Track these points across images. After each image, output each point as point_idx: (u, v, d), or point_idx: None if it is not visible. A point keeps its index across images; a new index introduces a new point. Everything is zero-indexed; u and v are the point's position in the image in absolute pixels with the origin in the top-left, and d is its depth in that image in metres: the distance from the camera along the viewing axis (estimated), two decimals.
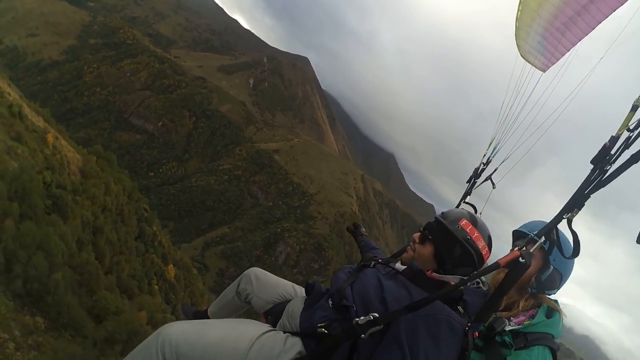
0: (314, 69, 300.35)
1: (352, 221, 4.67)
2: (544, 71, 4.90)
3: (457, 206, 4.33)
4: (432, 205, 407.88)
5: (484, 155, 4.76)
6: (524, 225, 3.08)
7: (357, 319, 2.33)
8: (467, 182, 4.71)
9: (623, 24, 3.84)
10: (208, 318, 3.63)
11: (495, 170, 4.62)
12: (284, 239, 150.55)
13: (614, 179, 2.18)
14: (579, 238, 2.36)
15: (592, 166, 2.31)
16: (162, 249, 57.04)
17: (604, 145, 2.29)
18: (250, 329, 2.64)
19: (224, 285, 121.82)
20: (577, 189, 2.30)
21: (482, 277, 2.65)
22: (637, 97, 2.49)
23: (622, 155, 2.24)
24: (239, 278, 3.47)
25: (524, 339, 2.67)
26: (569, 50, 4.70)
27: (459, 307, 2.42)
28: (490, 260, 2.59)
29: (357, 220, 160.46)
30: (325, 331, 2.49)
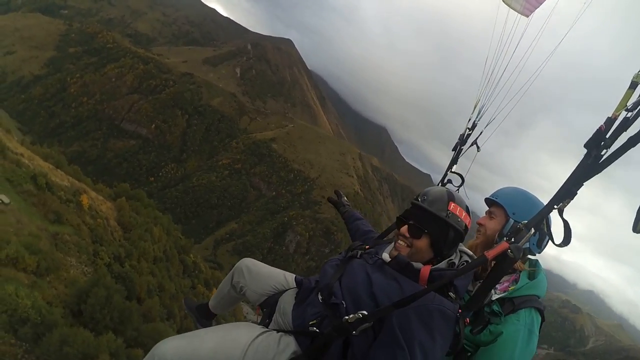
0: (298, 50, 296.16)
1: (335, 191, 4.39)
2: (527, 16, 4.77)
3: (444, 176, 4.28)
4: (429, 174, 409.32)
5: (469, 119, 4.62)
6: (499, 193, 3.14)
7: (347, 317, 2.33)
8: (452, 150, 4.59)
9: None
10: (210, 311, 3.77)
11: (481, 133, 4.47)
12: (292, 227, 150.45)
13: (609, 164, 2.07)
14: (570, 226, 2.27)
15: (585, 150, 2.15)
16: (203, 275, 57.59)
17: (599, 128, 2.12)
18: (243, 335, 2.64)
19: None
20: (568, 176, 2.20)
21: (468, 252, 2.66)
22: (636, 72, 2.23)
23: (620, 137, 2.06)
24: (232, 271, 3.43)
25: (511, 304, 2.76)
26: None
27: (450, 293, 2.40)
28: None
29: (360, 199, 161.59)
30: (317, 329, 2.52)
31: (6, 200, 29.21)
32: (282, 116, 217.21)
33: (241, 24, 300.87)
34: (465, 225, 2.59)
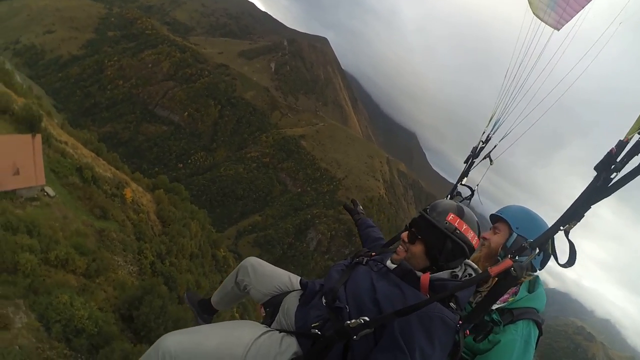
0: (333, 49, 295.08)
1: (352, 200, 4.38)
2: (558, 29, 4.74)
3: (454, 188, 4.34)
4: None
5: (483, 132, 4.58)
6: (504, 211, 3.30)
7: (348, 322, 2.38)
8: (464, 163, 4.57)
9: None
10: (211, 307, 3.83)
11: (495, 147, 4.48)
12: (315, 225, 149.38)
13: (618, 188, 2.04)
14: (575, 248, 2.29)
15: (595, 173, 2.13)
16: (231, 270, 58.19)
17: (610, 151, 2.09)
18: (246, 333, 2.68)
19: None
20: (577, 197, 2.19)
21: (473, 265, 2.69)
22: None
23: (631, 162, 2.04)
24: (236, 268, 3.48)
25: (510, 315, 2.89)
26: (583, 7, 4.53)
27: (451, 304, 2.45)
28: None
29: (384, 204, 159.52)
30: (318, 332, 2.55)
31: (52, 193, 28.76)
32: (313, 114, 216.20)
33: (279, 19, 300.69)
34: (469, 240, 2.57)
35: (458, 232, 2.55)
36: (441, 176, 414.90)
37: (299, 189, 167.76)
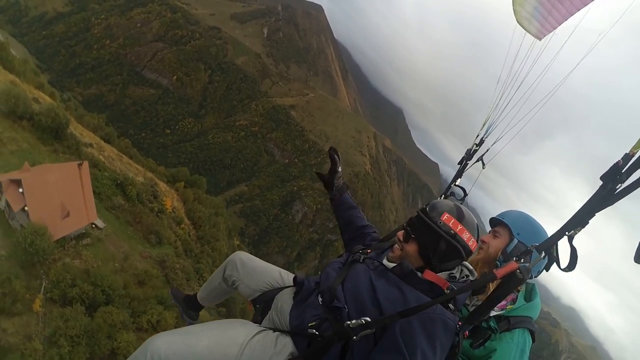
0: (327, 17, 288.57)
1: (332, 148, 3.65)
2: (540, 39, 4.86)
3: (447, 189, 4.22)
4: (437, 163, 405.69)
5: (477, 135, 4.68)
6: (505, 215, 3.31)
7: (349, 322, 2.35)
8: (458, 164, 4.64)
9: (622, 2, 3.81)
10: (198, 303, 3.67)
11: (487, 150, 4.59)
12: (301, 197, 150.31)
13: (622, 197, 2.17)
14: (577, 254, 2.39)
15: (601, 182, 2.25)
16: None
17: (617, 163, 2.21)
18: (240, 333, 2.61)
19: (246, 245, 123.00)
20: (583, 204, 2.29)
21: (469, 267, 2.67)
22: None
23: (635, 174, 2.17)
24: (224, 263, 3.34)
25: (507, 322, 2.95)
26: (565, 19, 4.63)
27: (450, 305, 2.44)
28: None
29: (369, 179, 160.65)
30: (316, 332, 2.50)
31: (101, 224, 26.58)
32: (304, 84, 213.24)
33: None
34: (464, 242, 2.53)
35: (452, 232, 2.50)
36: (424, 154, 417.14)
37: (287, 160, 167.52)
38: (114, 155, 36.27)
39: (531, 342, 2.99)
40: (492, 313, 2.90)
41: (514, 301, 3.01)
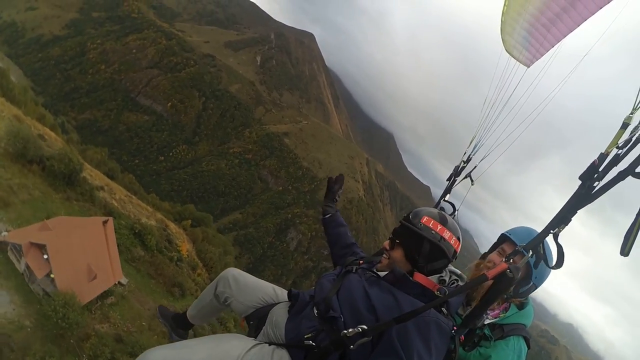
0: (319, 45, 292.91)
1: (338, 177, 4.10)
2: (528, 66, 4.94)
3: (437, 204, 4.29)
4: (429, 187, 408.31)
5: (465, 153, 4.79)
6: (513, 231, 3.35)
7: (346, 331, 2.36)
8: (447, 180, 4.74)
9: (609, 22, 4.01)
10: (188, 321, 3.65)
11: (475, 167, 4.67)
12: (295, 225, 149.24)
13: (600, 195, 2.26)
14: (564, 250, 2.46)
15: (580, 182, 2.37)
16: None
17: (593, 162, 2.34)
18: (235, 347, 2.59)
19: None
20: (564, 204, 2.39)
21: (457, 271, 2.72)
22: (627, 114, 2.55)
23: (611, 172, 2.30)
24: (215, 280, 3.35)
25: (501, 330, 2.99)
26: (553, 46, 4.75)
27: (443, 309, 2.48)
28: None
29: (363, 205, 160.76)
30: (313, 343, 2.51)
31: (124, 280, 25.07)
32: (297, 111, 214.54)
33: (265, 10, 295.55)
34: (447, 240, 2.60)
35: (433, 232, 2.57)
36: (415, 177, 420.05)
37: (281, 187, 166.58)
38: (124, 197, 35.08)
39: (526, 349, 3.02)
40: (486, 321, 2.95)
41: (506, 309, 3.05)
